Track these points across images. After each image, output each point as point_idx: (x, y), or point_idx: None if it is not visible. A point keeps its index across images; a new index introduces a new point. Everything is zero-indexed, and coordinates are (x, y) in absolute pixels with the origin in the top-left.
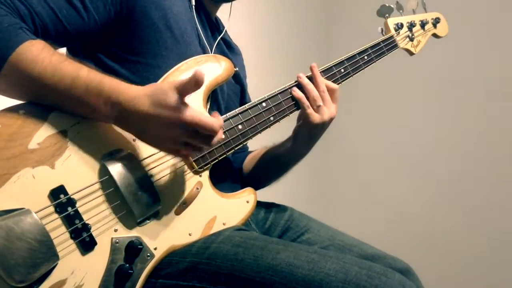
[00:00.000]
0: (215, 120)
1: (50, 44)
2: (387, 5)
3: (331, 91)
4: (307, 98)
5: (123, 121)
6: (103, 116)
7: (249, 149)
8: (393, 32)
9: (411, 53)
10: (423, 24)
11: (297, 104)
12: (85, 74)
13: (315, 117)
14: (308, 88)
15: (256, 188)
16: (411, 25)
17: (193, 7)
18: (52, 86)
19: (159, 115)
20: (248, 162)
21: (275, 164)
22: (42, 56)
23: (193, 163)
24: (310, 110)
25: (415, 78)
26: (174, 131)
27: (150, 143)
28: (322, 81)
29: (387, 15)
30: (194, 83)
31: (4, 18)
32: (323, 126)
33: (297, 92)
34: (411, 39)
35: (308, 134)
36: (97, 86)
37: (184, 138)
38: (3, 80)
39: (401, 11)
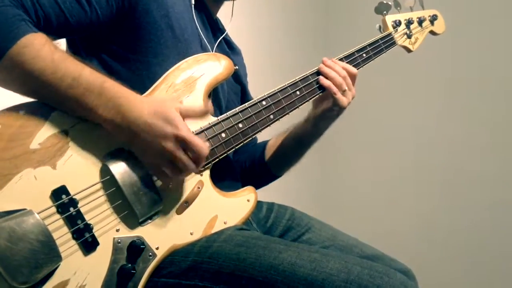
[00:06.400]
0: (205, 145)
1: (51, 37)
2: (385, 2)
3: (351, 76)
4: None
5: (117, 124)
6: (99, 117)
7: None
8: (391, 29)
9: (409, 50)
10: (420, 21)
11: (296, 103)
12: (87, 74)
13: (344, 101)
14: (331, 75)
15: (279, 173)
16: (408, 22)
17: (193, 6)
18: (52, 83)
19: (155, 124)
20: (271, 148)
21: (299, 146)
22: (44, 51)
23: None
24: (338, 95)
25: (417, 78)
26: (164, 142)
27: (136, 152)
28: (341, 68)
29: (384, 12)
30: (200, 113)
31: (7, 8)
32: (345, 108)
33: (324, 81)
34: (409, 36)
35: (333, 116)
36: (100, 86)
37: (171, 153)
38: (2, 72)
39: (398, 8)
